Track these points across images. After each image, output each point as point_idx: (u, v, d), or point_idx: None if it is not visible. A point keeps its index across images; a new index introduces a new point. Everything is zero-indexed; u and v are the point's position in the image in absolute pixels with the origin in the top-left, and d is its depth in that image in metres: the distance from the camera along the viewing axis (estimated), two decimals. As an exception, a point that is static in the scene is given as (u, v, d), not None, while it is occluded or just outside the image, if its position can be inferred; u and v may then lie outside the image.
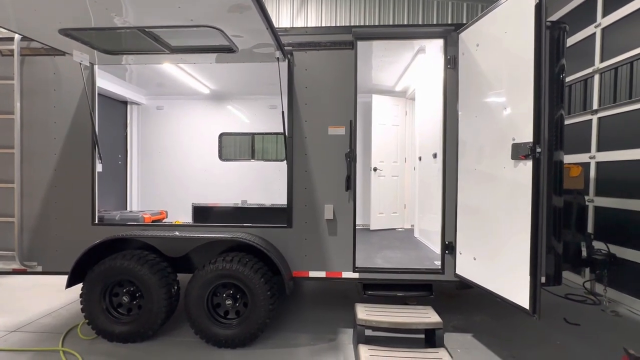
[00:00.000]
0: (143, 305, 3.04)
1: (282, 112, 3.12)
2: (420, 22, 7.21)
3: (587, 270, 4.67)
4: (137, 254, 3.10)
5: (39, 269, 3.36)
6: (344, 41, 3.19)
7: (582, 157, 5.00)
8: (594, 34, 4.89)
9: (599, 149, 4.76)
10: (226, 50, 2.88)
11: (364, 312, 2.99)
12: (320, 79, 3.21)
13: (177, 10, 2.13)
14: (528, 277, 2.24)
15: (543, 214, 2.21)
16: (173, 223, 5.20)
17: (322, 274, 3.24)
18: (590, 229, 4.81)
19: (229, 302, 3.04)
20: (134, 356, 2.87)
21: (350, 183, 3.18)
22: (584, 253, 4.02)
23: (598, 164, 4.76)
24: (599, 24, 4.78)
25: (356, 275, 3.22)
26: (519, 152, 2.32)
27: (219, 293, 3.08)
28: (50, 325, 3.43)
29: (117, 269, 3.01)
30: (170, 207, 5.58)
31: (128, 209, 5.87)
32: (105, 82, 4.90)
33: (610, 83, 4.66)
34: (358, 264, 3.36)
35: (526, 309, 2.25)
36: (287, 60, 3.18)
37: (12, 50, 3.24)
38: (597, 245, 4.30)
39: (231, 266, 2.96)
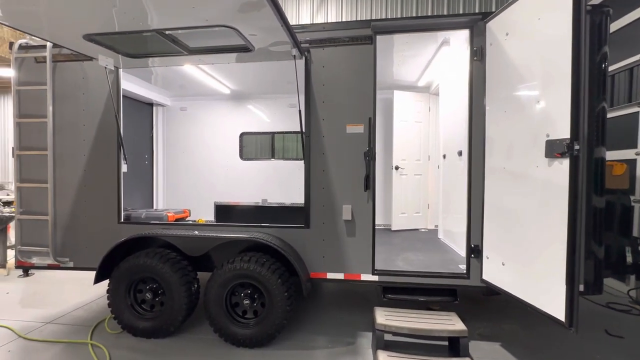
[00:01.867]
0: (165, 302, 3.12)
1: (299, 111, 3.08)
2: (445, 14, 6.90)
3: (633, 277, 4.28)
4: (160, 252, 3.17)
5: (71, 264, 3.53)
6: (362, 36, 3.08)
7: (627, 154, 4.57)
8: (643, 17, 4.44)
9: (647, 145, 4.33)
10: (243, 49, 2.87)
11: (384, 317, 2.89)
12: (338, 75, 3.13)
13: (191, 11, 2.13)
14: (564, 286, 2.04)
15: (582, 216, 2.00)
16: (196, 221, 5.34)
17: (340, 275, 3.17)
18: (636, 232, 4.39)
19: (246, 301, 3.05)
20: (155, 351, 2.94)
21: (369, 183, 3.07)
22: (629, 259, 3.67)
23: (646, 160, 4.33)
24: (648, 7, 4.33)
25: (375, 278, 3.12)
26: (553, 149, 2.12)
27: (237, 292, 3.10)
28: (82, 318, 3.61)
29: (140, 266, 3.10)
30: (194, 206, 5.72)
31: (154, 207, 6.08)
32: (132, 85, 5.08)
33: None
34: (378, 266, 3.26)
35: (561, 321, 2.05)
36: (304, 58, 3.12)
37: (45, 57, 3.42)
38: (645, 250, 3.92)
39: (249, 266, 2.96)
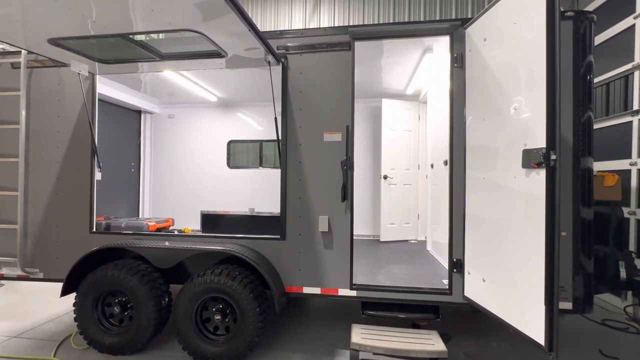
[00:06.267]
0: (133, 316, 2.98)
1: (275, 118, 2.99)
2: (437, 18, 6.83)
3: (630, 293, 4.10)
4: (129, 264, 3.05)
5: (41, 275, 3.41)
6: (340, 42, 3.00)
7: (621, 164, 4.44)
8: (634, 25, 4.37)
9: (641, 155, 4.20)
10: (215, 55, 2.79)
11: (359, 335, 2.73)
12: (316, 82, 3.04)
13: (151, 14, 2.05)
14: (542, 306, 1.89)
15: (559, 231, 1.87)
16: (182, 231, 5.22)
17: (317, 290, 3.03)
18: (632, 246, 4.22)
19: (218, 317, 2.90)
20: (120, 370, 2.79)
21: (346, 193, 2.95)
22: (623, 274, 3.50)
23: (640, 171, 4.19)
24: (639, 15, 4.26)
25: (353, 293, 2.97)
26: (530, 159, 2.00)
27: (209, 307, 2.96)
28: (50, 332, 3.46)
29: (107, 279, 2.97)
30: (180, 215, 5.62)
31: (140, 215, 5.97)
32: (120, 92, 5.04)
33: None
34: (358, 280, 3.12)
35: (541, 345, 1.90)
36: (280, 64, 3.04)
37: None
38: (641, 264, 3.76)
39: (219, 279, 2.82)
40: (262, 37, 2.51)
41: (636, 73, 4.33)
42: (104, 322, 3.06)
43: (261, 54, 2.81)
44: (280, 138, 3.06)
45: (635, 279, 3.47)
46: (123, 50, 2.79)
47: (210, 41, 2.48)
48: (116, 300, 3.07)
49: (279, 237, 3.08)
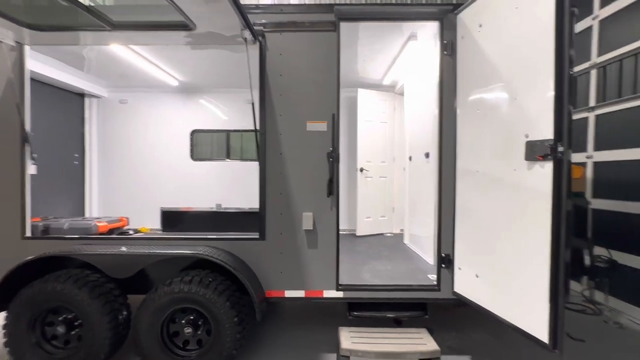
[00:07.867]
0: (83, 335, 2.51)
1: (252, 104, 2.65)
2: (417, 2, 6.67)
3: (586, 277, 4.42)
4: (75, 274, 2.55)
5: (-43, 292, 2.75)
6: (325, 21, 2.74)
7: (578, 157, 4.73)
8: (591, 26, 4.62)
9: (596, 148, 4.50)
10: (181, 27, 2.37)
11: (349, 339, 2.55)
12: (298, 65, 2.75)
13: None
14: (546, 303, 1.85)
15: (565, 225, 1.83)
16: (138, 230, 4.65)
17: (300, 293, 2.79)
18: (589, 234, 4.54)
19: (188, 330, 2.55)
20: (67, 402, 2.33)
21: (332, 187, 2.73)
22: (587, 261, 3.72)
23: (595, 164, 4.50)
24: (597, 16, 4.51)
25: (340, 294, 2.78)
26: (535, 151, 1.93)
27: (177, 319, 2.58)
28: (-28, 360, 2.83)
29: (48, 294, 2.46)
30: (136, 212, 4.99)
31: (87, 214, 5.24)
32: (58, 71, 4.29)
33: (610, 78, 4.40)
34: (342, 280, 2.93)
35: (544, 342, 1.86)
36: (258, 43, 2.70)
37: None
38: (597, 251, 4.03)
39: (190, 288, 2.46)
40: (240, 6, 2.15)
41: (593, 72, 4.60)
42: (44, 346, 2.55)
43: (237, 30, 2.45)
44: (258, 127, 2.73)
45: (595, 265, 3.71)
46: (62, 15, 2.26)
47: (176, 8, 2.07)
48: (60, 319, 2.56)
49: (257, 237, 2.77)
